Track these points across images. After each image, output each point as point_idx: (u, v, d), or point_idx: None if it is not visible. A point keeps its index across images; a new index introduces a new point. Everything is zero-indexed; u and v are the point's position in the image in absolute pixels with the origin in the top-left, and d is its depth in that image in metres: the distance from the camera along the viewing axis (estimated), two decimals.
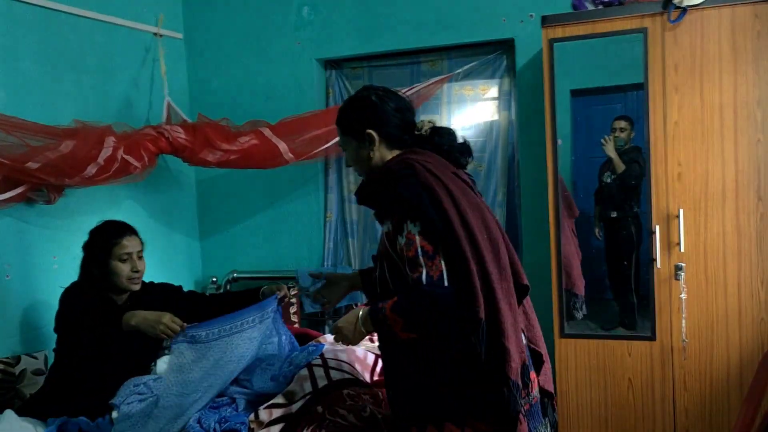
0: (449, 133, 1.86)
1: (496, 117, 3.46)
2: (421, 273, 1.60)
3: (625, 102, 3.12)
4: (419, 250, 1.62)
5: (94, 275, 2.29)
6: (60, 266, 2.90)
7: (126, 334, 2.12)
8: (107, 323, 2.14)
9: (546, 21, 2.72)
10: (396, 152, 1.80)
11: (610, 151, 2.81)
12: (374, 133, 1.78)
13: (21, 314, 2.78)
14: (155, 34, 3.48)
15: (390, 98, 1.82)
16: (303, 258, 3.69)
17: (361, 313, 1.72)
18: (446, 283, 1.60)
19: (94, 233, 2.34)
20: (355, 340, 1.75)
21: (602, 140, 2.83)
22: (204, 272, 3.88)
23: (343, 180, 3.70)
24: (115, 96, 3.29)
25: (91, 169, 2.67)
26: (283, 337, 2.39)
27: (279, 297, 2.28)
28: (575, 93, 2.83)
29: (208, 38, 3.76)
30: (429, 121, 1.86)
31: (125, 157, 2.79)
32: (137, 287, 2.34)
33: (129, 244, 2.32)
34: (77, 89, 3.05)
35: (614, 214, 2.90)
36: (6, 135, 2.45)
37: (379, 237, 1.83)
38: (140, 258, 2.36)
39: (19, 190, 2.61)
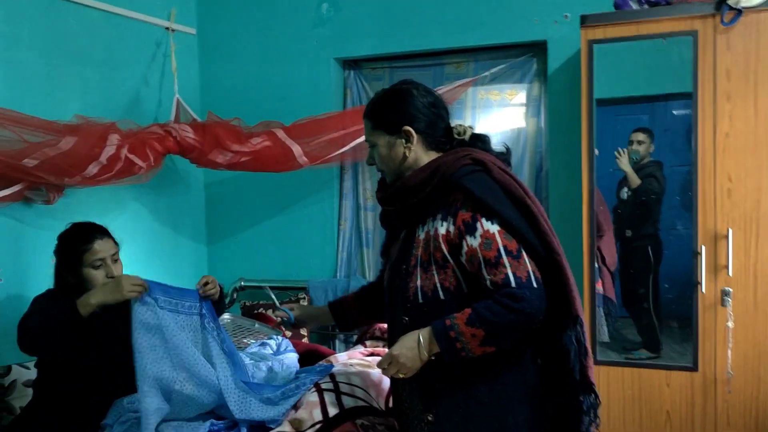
0: (489, 139, 1.72)
1: (523, 124, 3.25)
2: (506, 275, 1.47)
3: (665, 110, 2.93)
4: (502, 249, 1.49)
5: (68, 283, 2.10)
6: None
7: (112, 342, 1.96)
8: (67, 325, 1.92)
9: (586, 21, 2.52)
10: (432, 154, 1.66)
11: (624, 165, 2.64)
12: (412, 131, 1.62)
13: (13, 320, 2.57)
14: (167, 28, 3.32)
15: (432, 96, 1.68)
16: (315, 267, 3.50)
17: (421, 335, 1.53)
18: (535, 284, 1.47)
19: (63, 239, 2.15)
20: (414, 370, 1.55)
21: (616, 153, 2.65)
22: None
23: (359, 186, 3.51)
24: (122, 92, 3.12)
25: (93, 169, 2.50)
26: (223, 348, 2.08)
27: (202, 292, 1.99)
28: (615, 100, 2.63)
29: (222, 34, 3.59)
30: (469, 126, 1.69)
31: (129, 156, 2.62)
32: None
33: (101, 248, 2.10)
34: (81, 83, 2.88)
35: (628, 233, 2.71)
36: (1, 129, 2.28)
37: (402, 242, 1.68)
38: (115, 261, 2.15)
39: (15, 189, 2.45)
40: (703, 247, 2.44)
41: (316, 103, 3.39)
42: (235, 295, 3.54)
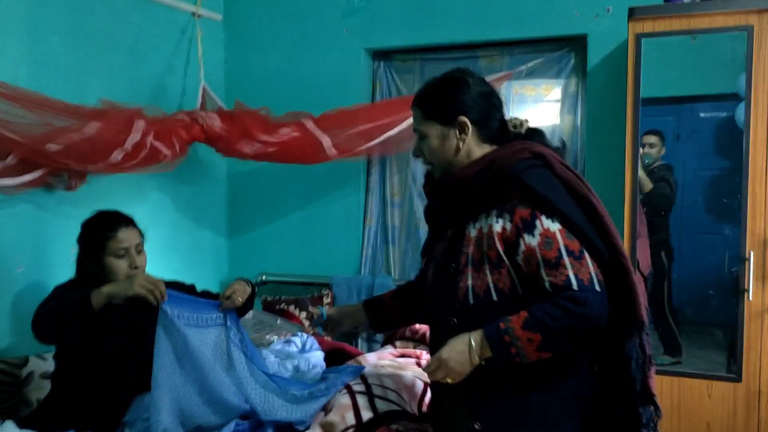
0: (545, 134, 1.63)
1: (558, 121, 3.15)
2: (568, 276, 1.38)
3: (719, 108, 2.84)
4: (563, 249, 1.41)
5: (89, 272, 2.03)
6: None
7: (135, 333, 1.89)
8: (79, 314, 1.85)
9: (634, 13, 2.41)
10: (486, 148, 1.56)
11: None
12: (468, 121, 1.53)
13: (32, 310, 2.50)
14: (193, 14, 3.24)
15: (487, 86, 1.58)
16: (339, 264, 3.41)
17: (472, 339, 1.43)
18: (598, 287, 1.38)
19: (87, 226, 2.08)
20: (464, 375, 1.46)
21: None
22: (230, 273, 3.62)
23: (386, 181, 3.42)
24: (147, 78, 3.05)
25: (117, 155, 2.42)
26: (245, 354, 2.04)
27: (221, 309, 1.94)
28: (678, 99, 2.53)
29: (249, 21, 3.50)
30: (525, 119, 1.59)
31: (155, 143, 2.54)
32: None
33: (125, 237, 2.03)
34: (107, 68, 2.80)
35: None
36: (26, 112, 2.21)
37: (450, 239, 1.58)
38: (139, 252, 2.07)
39: (37, 174, 2.37)
40: (752, 253, 2.32)
41: (344, 95, 3.30)
42: (256, 290, 3.46)
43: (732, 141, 2.75)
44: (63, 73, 2.60)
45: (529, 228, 1.43)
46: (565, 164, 1.52)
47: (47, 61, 2.54)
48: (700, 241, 3.00)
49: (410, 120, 2.93)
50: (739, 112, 2.45)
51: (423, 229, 3.36)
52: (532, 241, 1.42)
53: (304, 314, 3.20)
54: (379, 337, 3.36)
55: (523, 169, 1.46)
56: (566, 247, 1.41)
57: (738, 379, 2.37)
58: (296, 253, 3.50)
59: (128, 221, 2.09)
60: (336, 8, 3.34)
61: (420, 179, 3.37)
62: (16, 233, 2.44)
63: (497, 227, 1.47)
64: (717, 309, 2.51)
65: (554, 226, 1.42)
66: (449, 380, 1.46)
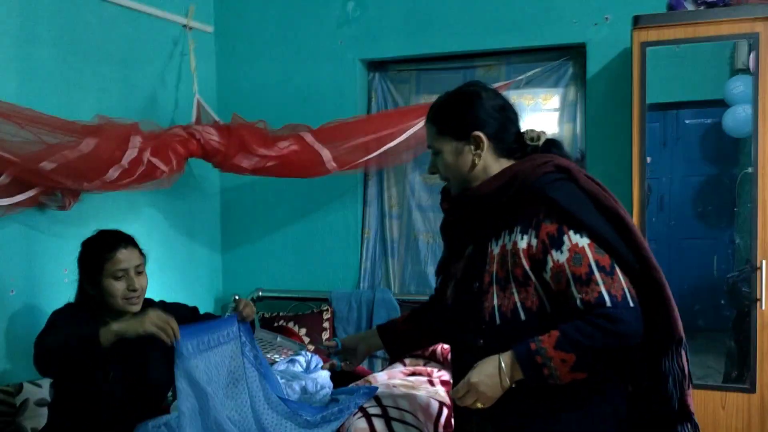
0: (563, 145, 1.59)
1: (557, 130, 3.13)
2: (600, 293, 1.33)
3: (705, 115, 2.88)
4: (593, 264, 1.36)
5: (89, 295, 1.95)
6: (71, 279, 2.51)
7: (137, 365, 1.85)
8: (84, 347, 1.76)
9: (638, 22, 2.40)
10: (503, 162, 1.52)
11: None
12: (483, 136, 1.48)
13: (25, 335, 2.42)
14: (185, 26, 3.16)
15: (501, 99, 1.55)
16: (337, 278, 3.35)
17: (502, 361, 1.38)
18: (631, 303, 1.34)
19: (86, 246, 2.00)
20: (495, 399, 1.41)
21: None
22: (225, 288, 3.54)
23: (384, 193, 3.36)
24: (139, 91, 2.97)
25: (114, 173, 2.34)
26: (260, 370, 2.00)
27: (240, 316, 1.93)
28: (665, 105, 2.52)
29: (241, 33, 3.43)
30: (543, 131, 1.55)
31: (152, 159, 2.46)
32: (136, 308, 1.97)
33: (124, 258, 1.94)
34: (98, 81, 2.72)
35: None
36: (18, 129, 2.12)
37: (470, 257, 1.54)
38: (139, 273, 1.98)
39: (30, 194, 2.28)
40: (764, 262, 2.31)
41: (339, 107, 3.24)
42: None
43: (719, 147, 2.78)
44: (53, 87, 2.51)
45: (557, 244, 1.39)
46: (590, 176, 1.48)
47: (37, 75, 2.45)
48: (686, 247, 3.02)
49: (409, 132, 2.97)
50: (727, 118, 2.45)
51: (423, 241, 3.31)
52: (560, 257, 1.38)
53: (304, 330, 3.13)
54: (381, 352, 3.29)
55: (548, 183, 1.42)
56: (597, 262, 1.36)
57: (752, 390, 2.34)
58: (293, 267, 3.43)
59: (128, 241, 2.00)
60: (330, 19, 3.29)
61: (418, 190, 3.33)
62: (7, 255, 2.35)
63: (522, 244, 1.42)
64: (709, 315, 2.51)
65: (583, 241, 1.38)
66: (479, 405, 1.41)
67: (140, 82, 2.97)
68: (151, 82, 3.03)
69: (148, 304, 2.05)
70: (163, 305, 2.12)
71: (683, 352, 1.42)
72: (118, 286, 1.93)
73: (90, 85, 2.68)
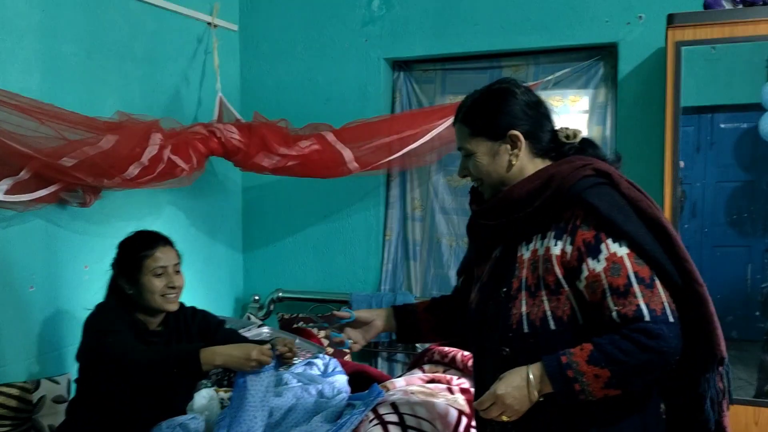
0: (599, 145, 1.52)
1: (586, 132, 3.02)
2: (638, 306, 1.26)
3: (741, 119, 2.78)
4: (632, 276, 1.28)
5: (124, 294, 1.95)
6: (91, 277, 2.56)
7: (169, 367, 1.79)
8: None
9: (673, 20, 2.31)
10: (538, 162, 1.45)
11: None
12: (520, 135, 1.41)
13: (43, 331, 2.43)
14: (209, 23, 3.15)
15: (534, 96, 1.47)
16: (357, 280, 3.31)
17: (530, 373, 1.31)
18: (671, 318, 1.26)
19: (124, 245, 2.02)
20: (522, 412, 1.34)
21: None
22: (246, 289, 3.52)
23: (406, 195, 3.31)
24: (162, 89, 2.95)
25: (134, 170, 2.33)
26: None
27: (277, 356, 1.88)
28: (699, 109, 2.43)
29: (265, 31, 3.41)
30: (578, 129, 1.48)
31: (172, 157, 2.44)
32: (174, 307, 2.00)
33: (163, 256, 1.98)
34: (122, 78, 2.71)
35: None
36: (39, 125, 2.11)
37: (498, 260, 1.47)
38: (177, 272, 2.02)
39: (51, 190, 2.26)
40: None
41: (363, 106, 3.21)
42: (272, 307, 3.35)
43: (755, 153, 2.68)
44: (77, 84, 2.50)
45: (594, 252, 1.31)
46: (632, 182, 1.40)
47: (61, 71, 2.44)
48: (719, 255, 2.92)
49: (433, 132, 2.91)
50: (763, 123, 2.37)
51: (446, 244, 3.25)
52: (596, 266, 1.30)
53: (323, 332, 3.09)
54: (401, 356, 3.25)
55: (586, 188, 1.34)
56: (636, 273, 1.28)
57: None
58: (313, 268, 3.40)
59: (166, 241, 2.03)
60: (355, 17, 3.25)
61: (441, 192, 3.27)
62: (27, 251, 2.34)
63: (556, 250, 1.35)
64: (742, 326, 2.41)
65: (622, 250, 1.30)
66: (505, 418, 1.34)
67: (164, 79, 2.96)
68: (174, 80, 3.02)
69: (181, 307, 2.06)
70: (193, 311, 2.13)
71: (724, 372, 1.34)
72: (158, 284, 1.95)
73: (113, 82, 2.68)
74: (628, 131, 2.83)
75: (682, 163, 2.33)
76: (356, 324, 1.72)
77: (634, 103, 2.78)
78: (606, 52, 2.93)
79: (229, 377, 2.51)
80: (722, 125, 2.98)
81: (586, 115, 3.05)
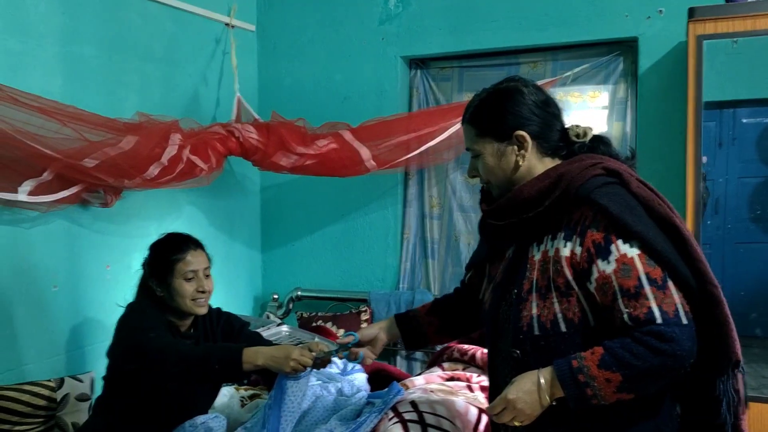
0: (611, 142, 1.48)
1: (606, 128, 3.01)
2: (650, 308, 1.23)
3: (763, 114, 2.74)
4: (643, 277, 1.25)
5: (155, 295, 1.95)
6: (113, 276, 2.59)
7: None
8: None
9: (694, 14, 2.28)
10: (547, 161, 1.43)
11: None
12: (527, 135, 1.39)
13: (67, 330, 2.47)
14: (227, 24, 3.17)
15: (543, 94, 1.44)
16: (376, 279, 3.31)
17: (541, 377, 1.29)
18: (685, 320, 1.23)
19: (155, 247, 2.01)
20: (533, 417, 1.32)
21: None
22: (265, 288, 3.53)
23: (424, 193, 3.30)
24: (181, 89, 2.98)
25: (154, 170, 2.35)
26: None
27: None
28: (721, 104, 2.39)
29: (283, 31, 3.42)
30: (589, 127, 1.45)
31: (191, 157, 2.46)
32: (203, 310, 1.99)
33: (194, 260, 1.96)
34: (141, 79, 2.74)
35: None
36: (61, 127, 2.14)
37: (511, 260, 1.46)
38: (207, 276, 2.00)
39: (73, 190, 2.30)
40: None
41: (380, 104, 3.21)
42: (290, 306, 3.37)
43: (759, 149, 2.63)
44: (98, 86, 2.54)
45: (603, 253, 1.29)
46: (643, 181, 1.37)
47: (82, 73, 2.48)
48: (742, 252, 2.88)
49: (450, 130, 2.90)
50: None
51: (464, 243, 3.24)
52: (606, 267, 1.28)
53: (342, 331, 3.10)
54: (420, 355, 3.24)
55: (596, 188, 1.32)
56: (647, 274, 1.25)
57: None
58: (332, 267, 3.40)
59: (197, 244, 2.02)
60: (372, 16, 3.25)
61: (459, 191, 3.25)
62: (50, 251, 2.38)
63: (565, 251, 1.33)
64: (766, 323, 2.36)
65: (632, 251, 1.27)
66: (517, 423, 1.32)
67: (182, 80, 2.98)
68: (193, 81, 3.04)
69: (209, 309, 2.05)
70: (218, 313, 2.13)
71: (740, 375, 1.31)
72: (188, 287, 1.94)
73: (133, 83, 2.71)
74: (649, 127, 2.79)
75: (704, 158, 2.29)
76: (361, 343, 1.73)
77: (655, 98, 2.75)
78: (626, 47, 2.90)
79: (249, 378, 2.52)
80: (744, 120, 2.94)
81: (606, 111, 3.02)
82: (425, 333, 1.74)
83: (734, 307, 1.30)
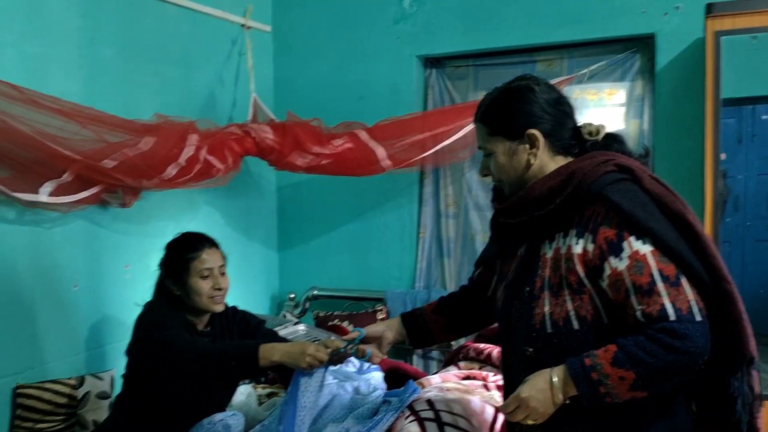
0: (625, 140, 1.47)
1: (623, 126, 2.99)
2: (663, 305, 1.22)
3: (753, 114, 2.71)
4: (656, 274, 1.24)
5: (172, 294, 1.98)
6: (132, 276, 2.63)
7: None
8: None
9: (712, 9, 2.26)
10: (560, 160, 1.42)
11: None
12: (538, 134, 1.39)
13: (88, 329, 2.50)
14: (243, 25, 3.19)
15: (555, 92, 1.44)
16: (392, 278, 3.31)
17: (554, 376, 1.29)
18: (698, 317, 1.22)
19: (171, 246, 2.04)
20: (547, 415, 1.32)
21: None
22: (281, 287, 3.56)
23: (440, 192, 3.30)
24: (198, 90, 3.01)
25: (171, 170, 2.38)
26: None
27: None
28: (740, 100, 2.37)
29: (298, 32, 3.44)
30: (601, 125, 1.45)
31: (208, 157, 2.49)
32: (220, 308, 2.01)
33: (209, 258, 1.99)
34: (159, 81, 2.77)
35: None
36: (80, 128, 2.17)
37: (523, 258, 1.46)
38: (223, 274, 2.03)
39: (93, 191, 2.33)
40: None
41: (395, 104, 3.21)
42: (307, 305, 3.38)
43: None
44: (116, 87, 2.57)
45: (616, 250, 1.28)
46: (656, 177, 1.36)
47: (100, 75, 2.51)
48: (762, 249, 2.86)
49: (466, 129, 2.89)
50: None
51: (480, 241, 3.23)
52: (619, 264, 1.27)
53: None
54: (436, 353, 3.24)
55: (608, 185, 1.31)
56: (660, 271, 1.24)
57: None
58: (348, 266, 3.41)
59: (212, 243, 2.05)
60: (387, 15, 3.26)
61: (475, 189, 3.25)
62: (71, 251, 2.41)
63: (577, 248, 1.32)
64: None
65: (645, 248, 1.26)
66: (530, 421, 1.32)
67: (199, 81, 3.01)
68: (209, 82, 3.07)
69: (225, 307, 2.07)
70: (234, 311, 2.15)
71: (755, 373, 1.30)
72: (204, 285, 1.96)
73: (151, 85, 2.74)
74: (667, 124, 2.77)
75: (723, 155, 2.27)
76: (367, 340, 1.73)
77: (673, 95, 2.72)
78: (642, 44, 2.87)
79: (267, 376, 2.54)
80: (764, 117, 2.91)
81: (623, 109, 3.00)
82: (431, 331, 1.74)
83: (753, 305, 1.30)
